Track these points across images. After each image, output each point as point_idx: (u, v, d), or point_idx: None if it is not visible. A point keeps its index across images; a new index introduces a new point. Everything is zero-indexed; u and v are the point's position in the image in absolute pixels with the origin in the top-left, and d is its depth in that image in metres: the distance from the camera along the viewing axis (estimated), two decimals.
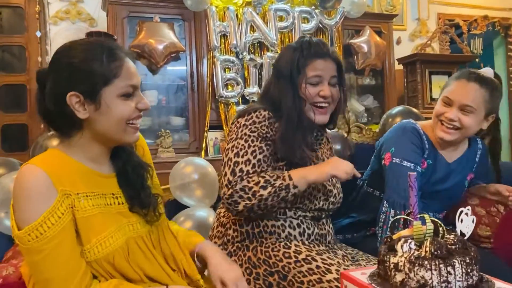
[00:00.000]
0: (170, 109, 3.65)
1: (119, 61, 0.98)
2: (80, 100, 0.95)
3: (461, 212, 0.83)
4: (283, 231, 1.30)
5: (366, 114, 4.22)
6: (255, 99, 3.35)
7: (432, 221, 0.82)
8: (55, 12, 3.54)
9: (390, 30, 4.24)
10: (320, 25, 3.72)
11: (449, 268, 0.75)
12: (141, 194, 1.06)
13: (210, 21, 3.38)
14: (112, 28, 3.27)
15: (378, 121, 4.17)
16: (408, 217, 0.86)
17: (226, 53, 3.45)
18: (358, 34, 4.04)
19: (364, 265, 1.28)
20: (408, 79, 4.38)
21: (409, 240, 0.80)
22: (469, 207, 0.84)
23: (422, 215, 0.84)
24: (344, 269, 1.19)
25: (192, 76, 3.47)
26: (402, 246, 0.79)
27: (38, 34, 3.44)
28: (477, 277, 0.78)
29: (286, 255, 1.24)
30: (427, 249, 0.77)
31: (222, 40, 3.44)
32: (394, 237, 0.84)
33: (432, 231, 0.81)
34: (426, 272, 0.75)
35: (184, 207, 2.02)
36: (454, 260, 0.75)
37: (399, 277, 0.77)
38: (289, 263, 1.22)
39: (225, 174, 1.25)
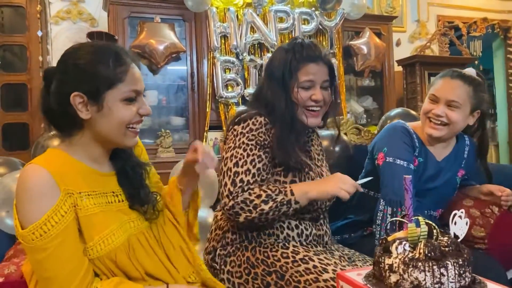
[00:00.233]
0: (170, 109, 3.67)
1: (125, 66, 1.00)
2: (84, 100, 0.97)
3: (455, 214, 0.85)
4: (282, 233, 1.31)
5: (365, 115, 4.25)
6: None
7: (426, 223, 0.84)
8: (56, 12, 3.55)
9: (389, 32, 4.26)
10: (320, 27, 3.74)
11: (442, 270, 0.76)
12: (141, 192, 1.09)
13: (210, 22, 3.40)
14: (113, 28, 3.29)
15: (377, 122, 4.19)
16: (403, 219, 0.87)
17: (226, 54, 3.47)
18: (358, 36, 4.07)
19: (361, 266, 1.30)
20: (408, 81, 4.40)
21: (404, 242, 0.82)
22: (462, 210, 0.86)
23: (416, 217, 0.86)
24: (341, 269, 1.21)
25: (193, 76, 3.49)
26: (396, 248, 0.81)
27: (39, 33, 3.45)
28: (469, 279, 0.79)
29: (284, 255, 1.25)
30: (421, 251, 0.79)
31: (223, 40, 3.47)
32: (389, 239, 0.85)
33: (426, 233, 0.83)
34: (420, 273, 0.76)
35: None
36: (447, 261, 0.77)
37: (393, 278, 0.79)
38: (287, 262, 1.23)
39: (225, 185, 1.25)
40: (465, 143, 1.68)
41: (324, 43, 3.79)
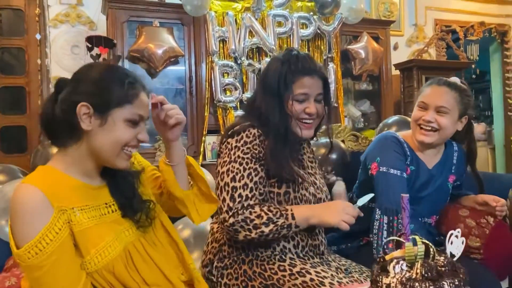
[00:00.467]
0: None
1: (137, 90, 1.05)
2: (89, 112, 0.99)
3: (451, 234, 0.86)
4: (278, 245, 1.32)
5: (362, 119, 4.27)
6: None
7: (423, 243, 0.85)
8: (55, 15, 3.55)
9: (387, 36, 4.28)
10: (318, 31, 3.75)
11: None
12: (133, 202, 1.10)
13: (209, 26, 3.41)
14: (111, 32, 3.29)
15: (375, 126, 4.22)
16: (400, 239, 0.89)
17: (224, 58, 3.48)
18: (356, 40, 4.08)
19: (357, 277, 1.31)
20: (405, 85, 4.43)
21: (401, 262, 0.83)
22: (459, 229, 0.88)
23: (413, 236, 0.87)
24: (338, 282, 1.22)
25: (191, 80, 3.50)
26: (394, 267, 0.83)
27: (38, 36, 3.45)
28: None
29: (281, 268, 1.26)
30: (418, 271, 0.80)
31: (221, 45, 3.47)
32: (387, 257, 0.87)
33: (423, 252, 0.84)
34: None
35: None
36: (443, 282, 0.78)
37: None
38: (284, 276, 1.25)
39: (224, 200, 1.26)
40: (454, 149, 1.73)
41: (322, 47, 3.80)
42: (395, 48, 4.77)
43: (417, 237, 0.86)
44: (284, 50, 1.47)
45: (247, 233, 1.22)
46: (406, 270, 0.82)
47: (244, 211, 1.23)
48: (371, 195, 1.34)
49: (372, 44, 4.02)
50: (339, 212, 1.25)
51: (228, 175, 1.28)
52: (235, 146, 1.30)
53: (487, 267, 1.55)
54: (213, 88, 3.42)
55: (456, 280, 0.79)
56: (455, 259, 0.86)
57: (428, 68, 4.38)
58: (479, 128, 5.99)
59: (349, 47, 4.01)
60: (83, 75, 1.04)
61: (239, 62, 3.50)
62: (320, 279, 1.22)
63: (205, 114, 3.44)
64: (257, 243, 1.31)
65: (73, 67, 3.49)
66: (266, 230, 1.22)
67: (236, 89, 3.47)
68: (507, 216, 1.72)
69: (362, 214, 1.30)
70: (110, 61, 3.21)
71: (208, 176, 2.15)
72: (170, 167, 1.19)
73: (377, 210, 1.52)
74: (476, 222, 1.66)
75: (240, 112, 3.39)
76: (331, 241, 1.64)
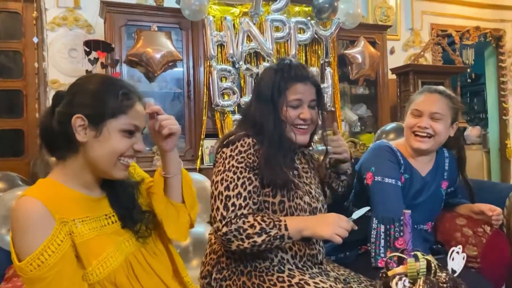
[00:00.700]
0: None
1: (131, 101, 1.05)
2: (84, 124, 1.00)
3: (453, 251, 0.88)
4: (276, 256, 1.33)
5: (359, 123, 4.29)
6: None
7: (425, 259, 0.87)
8: (52, 18, 3.53)
9: (384, 40, 4.30)
10: (316, 36, 3.77)
11: None
12: (133, 213, 1.11)
13: (207, 30, 3.41)
14: (109, 36, 3.28)
15: (371, 130, 4.24)
16: (402, 255, 0.90)
17: (222, 63, 3.49)
18: (353, 45, 4.10)
19: (356, 287, 1.32)
20: (401, 89, 4.45)
21: (403, 278, 0.85)
22: (460, 246, 0.89)
23: (415, 252, 0.89)
24: None
25: (189, 84, 3.50)
26: (396, 284, 0.84)
27: (35, 40, 3.42)
28: None
29: (280, 279, 1.27)
30: (420, 287, 0.82)
31: (219, 49, 3.48)
32: (389, 273, 0.88)
33: (425, 268, 0.86)
34: None
35: None
36: None
37: None
38: (283, 287, 1.25)
39: (218, 209, 1.26)
40: (445, 155, 1.76)
41: (319, 52, 3.82)
42: (392, 52, 4.79)
43: (418, 253, 0.88)
44: (281, 55, 1.49)
45: (240, 243, 1.22)
46: (409, 287, 0.83)
47: (238, 220, 1.23)
48: (366, 208, 1.33)
49: (369, 48, 4.05)
50: (333, 225, 1.24)
51: (222, 184, 1.28)
52: (230, 156, 1.31)
53: (484, 275, 1.57)
54: (211, 92, 3.43)
55: None
56: (455, 274, 0.88)
57: (424, 72, 4.41)
58: (474, 132, 6.03)
59: (346, 51, 4.03)
60: (79, 88, 1.05)
61: (237, 66, 3.51)
62: None
63: (203, 118, 3.45)
64: (255, 254, 1.31)
65: (70, 71, 3.52)
66: (259, 240, 1.22)
67: (234, 93, 3.48)
68: (504, 225, 1.75)
69: (356, 227, 1.28)
70: (108, 65, 3.21)
71: (206, 183, 2.16)
72: (162, 181, 1.17)
73: (374, 219, 1.54)
74: (473, 231, 1.68)
75: (238, 116, 3.40)
76: (329, 250, 1.65)
